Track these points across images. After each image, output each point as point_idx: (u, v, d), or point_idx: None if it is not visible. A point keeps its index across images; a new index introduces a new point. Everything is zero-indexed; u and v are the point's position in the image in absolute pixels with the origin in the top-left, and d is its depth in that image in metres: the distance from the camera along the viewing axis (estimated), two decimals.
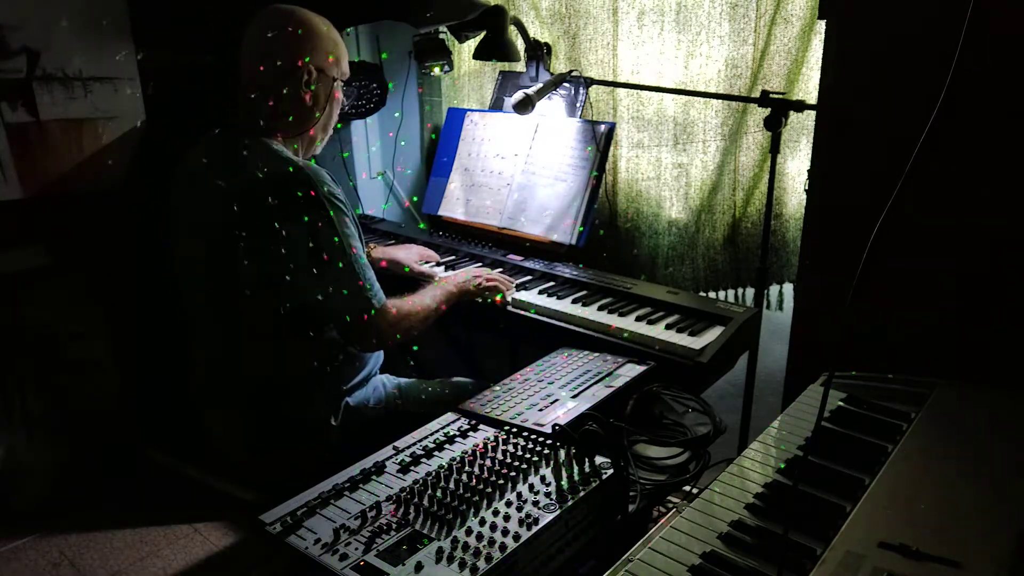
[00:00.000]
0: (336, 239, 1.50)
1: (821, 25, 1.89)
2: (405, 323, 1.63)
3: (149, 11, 2.05)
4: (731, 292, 2.34)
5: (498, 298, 1.89)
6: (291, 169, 1.50)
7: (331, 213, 1.49)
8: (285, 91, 1.58)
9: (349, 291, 1.52)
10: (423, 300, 1.70)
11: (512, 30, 2.25)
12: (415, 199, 2.91)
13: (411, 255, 2.13)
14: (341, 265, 1.51)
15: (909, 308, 1.58)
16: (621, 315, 1.80)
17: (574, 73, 2.31)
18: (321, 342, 1.62)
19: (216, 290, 1.61)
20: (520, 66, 2.43)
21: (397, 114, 2.78)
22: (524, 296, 1.92)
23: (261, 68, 1.58)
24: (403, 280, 2.06)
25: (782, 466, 1.17)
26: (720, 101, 2.15)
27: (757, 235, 2.20)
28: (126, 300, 2.14)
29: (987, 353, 1.48)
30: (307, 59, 1.57)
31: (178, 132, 1.79)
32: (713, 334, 1.69)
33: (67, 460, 2.04)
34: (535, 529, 1.04)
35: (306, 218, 1.47)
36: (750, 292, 2.28)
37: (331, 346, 1.64)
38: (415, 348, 2.61)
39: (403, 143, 2.85)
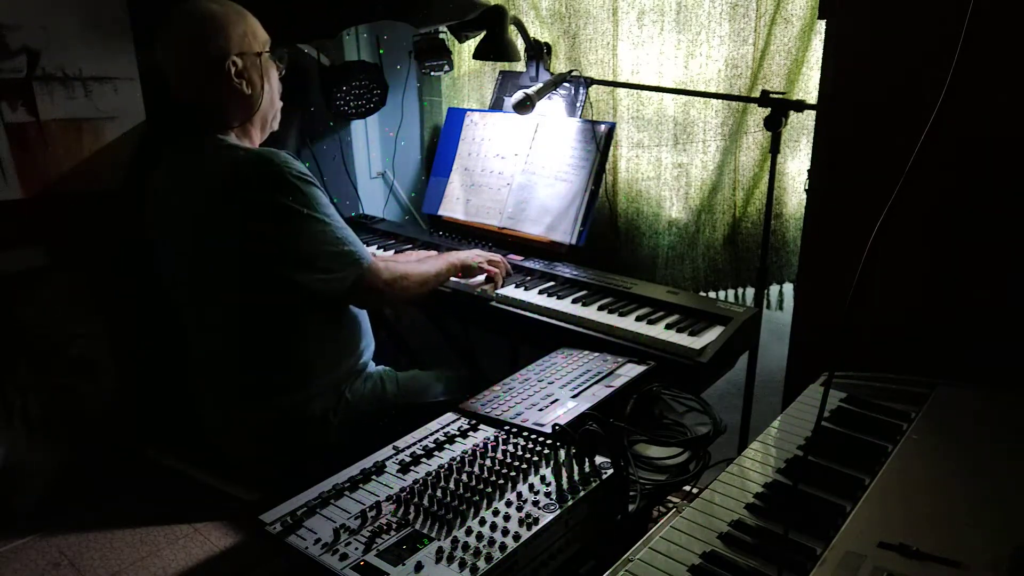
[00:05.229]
0: (309, 211, 1.51)
1: (821, 25, 1.89)
2: (401, 282, 1.69)
3: (149, 11, 2.05)
4: (731, 292, 2.34)
5: (489, 285, 1.95)
6: (252, 157, 1.52)
7: (300, 187, 1.50)
8: (217, 86, 1.56)
9: (334, 256, 1.55)
10: (420, 266, 1.79)
11: (512, 30, 2.25)
12: (414, 197, 2.91)
13: None
14: (321, 233, 1.53)
15: (909, 307, 1.58)
16: (621, 315, 1.80)
17: (574, 73, 2.31)
18: (316, 335, 1.62)
19: (205, 288, 1.62)
20: (520, 66, 2.43)
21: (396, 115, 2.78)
22: (524, 296, 1.92)
23: (184, 71, 1.57)
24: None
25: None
26: (720, 101, 2.15)
27: (757, 235, 2.19)
28: (126, 300, 2.14)
29: (987, 353, 1.48)
30: (224, 49, 1.54)
31: (178, 132, 1.79)
32: (713, 334, 1.69)
33: (67, 460, 2.04)
34: (535, 529, 1.04)
35: (277, 199, 1.48)
36: (750, 292, 2.28)
37: (327, 339, 1.64)
38: (413, 347, 2.61)
39: (403, 143, 2.85)
